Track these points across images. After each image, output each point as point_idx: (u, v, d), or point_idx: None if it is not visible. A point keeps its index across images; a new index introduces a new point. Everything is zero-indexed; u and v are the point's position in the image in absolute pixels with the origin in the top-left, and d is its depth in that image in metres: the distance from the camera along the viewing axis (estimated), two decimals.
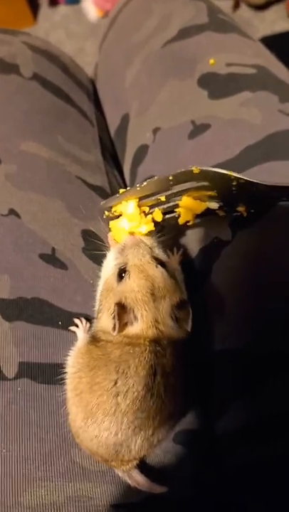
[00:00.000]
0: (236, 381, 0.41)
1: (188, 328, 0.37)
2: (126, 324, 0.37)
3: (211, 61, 0.56)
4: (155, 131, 0.56)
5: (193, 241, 0.47)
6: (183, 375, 0.38)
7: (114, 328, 0.36)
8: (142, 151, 0.57)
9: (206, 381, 0.43)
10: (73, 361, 0.39)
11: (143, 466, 0.39)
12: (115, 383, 0.35)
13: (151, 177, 0.55)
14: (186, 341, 0.39)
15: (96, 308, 0.42)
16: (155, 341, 0.37)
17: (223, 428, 0.42)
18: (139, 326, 0.37)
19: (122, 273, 0.39)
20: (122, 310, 0.36)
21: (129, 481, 0.38)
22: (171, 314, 0.38)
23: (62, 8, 1.96)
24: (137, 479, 0.38)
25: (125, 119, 0.63)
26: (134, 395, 0.35)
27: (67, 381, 0.39)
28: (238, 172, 0.48)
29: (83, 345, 0.40)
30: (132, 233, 0.42)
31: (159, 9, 0.66)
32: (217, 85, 0.55)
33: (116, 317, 0.36)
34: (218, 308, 0.43)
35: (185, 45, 0.60)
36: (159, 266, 0.39)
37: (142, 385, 0.35)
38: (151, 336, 0.37)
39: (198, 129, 0.53)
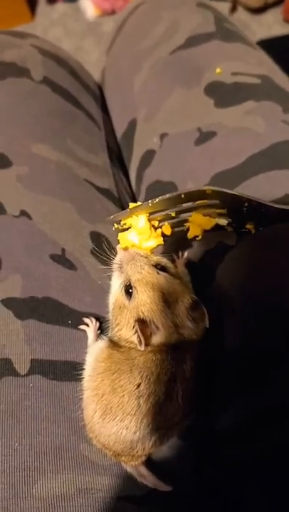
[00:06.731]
0: (238, 378, 0.43)
1: (207, 324, 0.38)
2: (150, 335, 0.37)
3: (218, 70, 0.58)
4: (162, 136, 0.57)
5: (198, 245, 0.48)
6: (197, 376, 0.39)
7: (140, 343, 0.36)
8: (148, 156, 0.58)
9: (209, 378, 0.44)
10: (94, 362, 0.40)
11: (148, 460, 0.40)
12: (138, 386, 0.36)
13: (158, 181, 0.56)
14: (200, 343, 0.39)
15: (110, 320, 0.42)
16: (176, 347, 0.38)
17: (224, 423, 0.43)
18: (162, 334, 0.37)
19: (128, 289, 0.39)
20: (142, 324, 0.37)
21: (136, 476, 0.39)
22: (187, 316, 0.38)
23: (60, 6, 1.96)
24: (144, 474, 0.39)
25: (132, 124, 0.63)
26: (155, 399, 0.36)
27: (87, 379, 0.40)
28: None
29: (104, 347, 0.40)
30: (125, 248, 0.42)
31: (167, 16, 0.66)
32: (223, 94, 0.56)
33: (140, 333, 0.36)
34: (222, 310, 0.44)
35: (192, 53, 0.61)
36: (160, 272, 0.39)
37: (163, 391, 0.36)
38: (173, 342, 0.38)
39: (205, 136, 0.53)
